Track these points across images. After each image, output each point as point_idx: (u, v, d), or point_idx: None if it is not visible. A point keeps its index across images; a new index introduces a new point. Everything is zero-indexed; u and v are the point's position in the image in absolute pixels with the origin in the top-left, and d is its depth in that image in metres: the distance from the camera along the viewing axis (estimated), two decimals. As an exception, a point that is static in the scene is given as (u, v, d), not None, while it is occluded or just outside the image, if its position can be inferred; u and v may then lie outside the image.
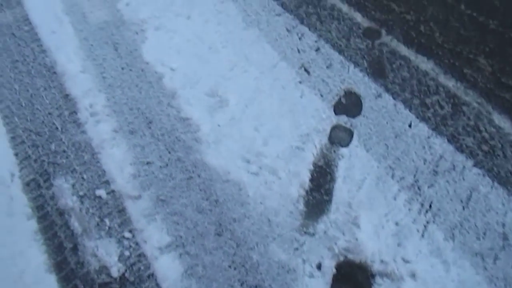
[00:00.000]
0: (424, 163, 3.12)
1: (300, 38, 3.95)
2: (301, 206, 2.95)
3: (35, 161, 3.27)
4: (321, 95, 3.50)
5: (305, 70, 3.68)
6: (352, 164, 3.14)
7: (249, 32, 4.00)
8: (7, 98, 3.68)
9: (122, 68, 3.80)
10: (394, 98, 3.49)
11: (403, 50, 3.83)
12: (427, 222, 2.84)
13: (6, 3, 4.63)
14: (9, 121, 3.52)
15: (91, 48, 4.01)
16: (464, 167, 3.08)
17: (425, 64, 3.70)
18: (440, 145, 3.20)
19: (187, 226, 2.89)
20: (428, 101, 3.46)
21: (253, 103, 3.44)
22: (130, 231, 2.88)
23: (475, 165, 3.10)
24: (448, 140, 3.25)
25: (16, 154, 3.32)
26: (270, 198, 2.98)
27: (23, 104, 3.62)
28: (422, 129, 3.29)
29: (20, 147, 3.36)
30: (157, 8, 4.32)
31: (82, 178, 3.16)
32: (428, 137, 3.25)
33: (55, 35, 4.15)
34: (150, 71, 3.75)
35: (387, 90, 3.55)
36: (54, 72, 3.83)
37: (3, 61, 3.99)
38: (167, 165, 3.18)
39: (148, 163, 3.20)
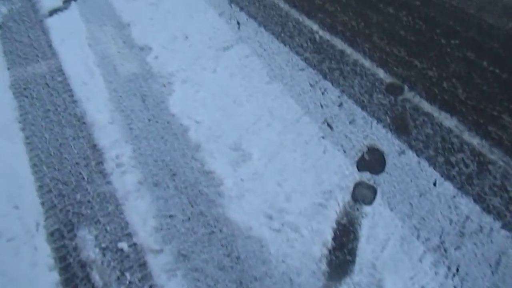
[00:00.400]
0: (450, 224, 3.05)
1: (323, 93, 4.01)
2: (324, 266, 2.90)
3: (61, 211, 3.32)
4: (344, 151, 3.51)
5: (328, 125, 3.71)
6: (376, 223, 3.09)
7: (273, 86, 4.09)
8: (37, 146, 3.80)
9: (149, 120, 3.91)
10: (418, 155, 3.47)
11: (426, 106, 3.84)
12: (455, 287, 2.75)
13: (42, 54, 4.87)
14: (38, 169, 3.62)
15: (120, 99, 4.15)
16: (491, 228, 3.00)
17: (448, 121, 3.69)
18: (466, 205, 3.14)
19: (207, 283, 2.86)
20: (452, 159, 3.42)
21: (276, 157, 3.46)
22: (151, 287, 2.86)
23: (503, 227, 3.01)
24: (475, 200, 3.18)
25: (42, 203, 3.39)
26: (292, 257, 2.94)
27: (52, 153, 3.73)
28: (447, 188, 3.24)
29: (47, 196, 3.43)
30: (184, 61, 4.47)
31: (105, 229, 3.19)
32: (454, 197, 3.19)
33: (86, 86, 4.32)
34: (176, 123, 3.84)
35: (411, 147, 3.54)
36: (84, 122, 3.96)
37: (36, 110, 4.15)
38: (189, 219, 3.20)
39: (170, 216, 3.22)
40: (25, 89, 4.40)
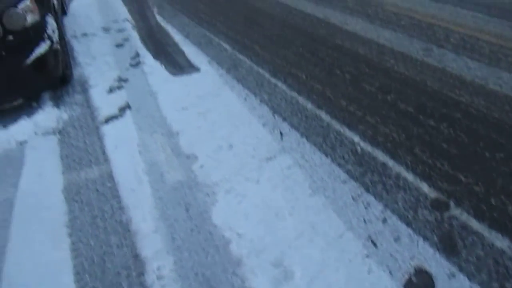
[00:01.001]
0: None
1: (366, 208, 3.97)
2: None
3: (99, 325, 3.29)
4: (390, 272, 3.37)
5: (372, 242, 3.62)
6: None
7: (315, 199, 4.10)
8: (82, 253, 3.88)
9: (191, 230, 3.96)
10: (469, 279, 3.28)
11: (475, 224, 3.71)
12: None
13: (95, 160, 5.18)
14: (80, 278, 3.66)
15: (165, 207, 4.26)
16: None
17: (500, 242, 3.53)
18: None
19: None
20: (508, 286, 3.21)
21: (319, 277, 3.36)
22: None
23: None
24: (538, 335, 2.92)
25: (82, 316, 3.38)
26: None
27: (95, 261, 3.79)
28: (505, 319, 3.01)
29: (87, 308, 3.43)
30: (228, 171, 4.61)
31: None
32: (513, 329, 2.94)
33: (134, 193, 4.49)
34: (218, 235, 3.86)
35: (461, 269, 3.37)
36: (128, 230, 4.05)
37: (84, 215, 4.31)
38: None
39: (209, 337, 3.12)
40: (76, 194, 4.62)
